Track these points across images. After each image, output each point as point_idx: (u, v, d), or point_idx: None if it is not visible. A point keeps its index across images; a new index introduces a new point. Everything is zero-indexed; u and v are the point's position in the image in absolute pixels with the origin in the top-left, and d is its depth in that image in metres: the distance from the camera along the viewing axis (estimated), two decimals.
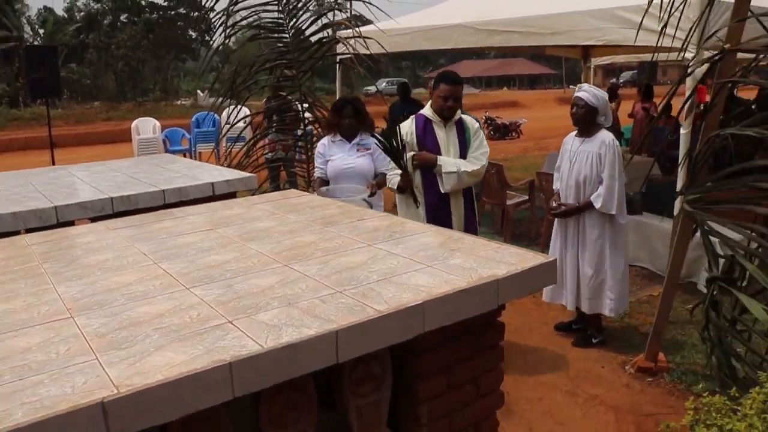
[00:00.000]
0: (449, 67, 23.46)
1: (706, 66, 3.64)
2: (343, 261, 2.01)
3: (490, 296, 1.81)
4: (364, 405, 1.83)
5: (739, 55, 3.58)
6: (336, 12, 5.91)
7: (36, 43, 33.13)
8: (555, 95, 35.74)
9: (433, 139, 4.02)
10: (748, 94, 11.48)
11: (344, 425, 1.84)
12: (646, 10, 3.66)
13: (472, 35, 6.49)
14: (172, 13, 40.21)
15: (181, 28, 40.07)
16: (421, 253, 2.07)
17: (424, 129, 4.04)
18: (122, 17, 38.50)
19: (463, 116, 4.14)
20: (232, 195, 3.79)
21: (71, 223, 3.15)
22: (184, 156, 11.48)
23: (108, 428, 1.22)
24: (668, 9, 3.35)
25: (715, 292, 3.33)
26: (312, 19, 5.72)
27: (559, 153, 4.56)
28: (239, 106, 5.54)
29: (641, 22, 3.78)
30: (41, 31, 35.78)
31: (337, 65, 6.81)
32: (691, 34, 3.68)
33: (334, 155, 4.36)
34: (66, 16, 37.90)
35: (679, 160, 4.20)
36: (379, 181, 4.27)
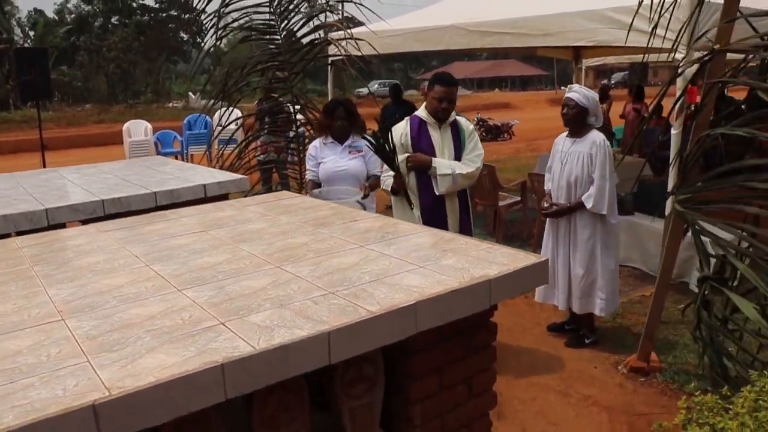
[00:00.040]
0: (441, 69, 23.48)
1: (696, 66, 3.67)
2: (335, 262, 2.01)
3: (482, 296, 1.82)
4: (357, 406, 1.83)
5: (729, 55, 3.60)
6: (327, 14, 5.89)
7: (26, 45, 33.03)
8: (546, 96, 35.85)
9: (428, 141, 4.01)
10: (739, 94, 11.54)
11: (337, 426, 1.84)
12: (637, 11, 3.68)
13: (464, 36, 6.50)
14: (164, 15, 40.16)
15: (172, 30, 40.01)
16: (413, 253, 2.07)
17: (419, 131, 4.03)
18: (113, 19, 38.40)
19: (458, 118, 4.14)
20: (224, 197, 3.79)
21: (62, 226, 3.14)
22: (176, 158, 11.44)
23: (99, 431, 1.22)
24: (658, 10, 3.37)
25: (706, 292, 3.35)
26: (303, 20, 5.71)
27: (550, 153, 4.57)
28: (231, 108, 5.52)
29: (632, 23, 3.79)
30: (32, 33, 35.69)
31: (329, 67, 6.81)
32: (681, 35, 3.70)
33: (326, 157, 4.35)
34: (57, 18, 37.80)
35: (670, 161, 4.21)
36: (372, 183, 4.27)
